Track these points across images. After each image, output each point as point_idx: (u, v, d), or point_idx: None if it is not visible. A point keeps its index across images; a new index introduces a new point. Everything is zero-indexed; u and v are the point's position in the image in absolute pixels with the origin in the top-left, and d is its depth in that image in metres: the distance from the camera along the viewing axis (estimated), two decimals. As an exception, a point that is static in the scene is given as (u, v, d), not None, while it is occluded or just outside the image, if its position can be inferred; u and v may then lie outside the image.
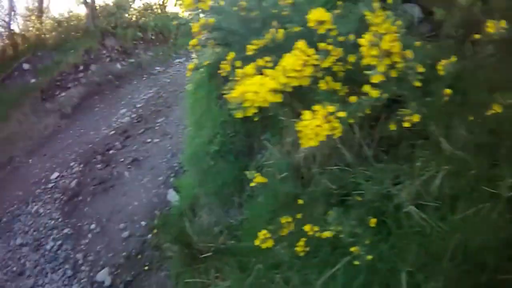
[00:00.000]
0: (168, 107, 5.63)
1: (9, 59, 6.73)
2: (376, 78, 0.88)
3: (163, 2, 9.67)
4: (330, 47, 1.02)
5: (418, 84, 0.94)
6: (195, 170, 2.97)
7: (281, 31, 1.21)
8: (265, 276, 1.78)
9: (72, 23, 7.82)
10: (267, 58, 1.09)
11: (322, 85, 1.05)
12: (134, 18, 8.72)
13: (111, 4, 8.63)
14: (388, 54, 0.87)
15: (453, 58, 0.97)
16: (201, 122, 3.09)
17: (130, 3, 9.01)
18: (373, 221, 1.29)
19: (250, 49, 1.23)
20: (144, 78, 7.17)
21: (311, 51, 0.98)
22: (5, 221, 4.29)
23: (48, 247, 3.67)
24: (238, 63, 1.24)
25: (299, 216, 1.54)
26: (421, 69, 0.92)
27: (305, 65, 0.97)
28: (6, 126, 5.55)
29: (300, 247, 1.49)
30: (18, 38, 7.12)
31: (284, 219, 1.50)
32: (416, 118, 1.05)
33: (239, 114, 1.02)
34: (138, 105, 5.98)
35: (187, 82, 3.63)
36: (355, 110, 0.93)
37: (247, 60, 1.24)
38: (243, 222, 2.44)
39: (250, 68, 1.07)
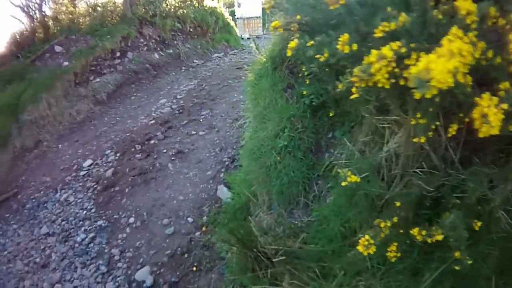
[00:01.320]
0: (212, 100, 5.64)
1: (40, 41, 6.92)
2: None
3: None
4: (474, 39, 1.03)
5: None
6: (256, 165, 2.90)
7: (405, 15, 1.20)
8: (349, 283, 1.80)
9: (108, 9, 8.06)
10: (398, 43, 1.11)
11: (460, 78, 1.02)
12: (172, 9, 8.95)
13: (149, -8, 8.91)
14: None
15: None
16: (265, 115, 3.05)
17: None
18: (478, 224, 1.38)
19: (379, 31, 1.21)
20: (183, 70, 7.29)
21: (467, 38, 1.00)
22: (29, 207, 4.25)
23: (78, 239, 3.58)
24: (354, 46, 1.23)
25: (395, 219, 1.55)
26: None
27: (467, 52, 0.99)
28: (35, 108, 5.61)
29: (392, 253, 1.52)
30: (50, 20, 7.34)
31: (382, 223, 1.52)
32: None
33: (418, 94, 0.99)
34: (179, 96, 6.03)
35: (248, 71, 3.59)
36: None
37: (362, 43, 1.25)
38: (311, 224, 2.39)
39: (386, 50, 1.09)
